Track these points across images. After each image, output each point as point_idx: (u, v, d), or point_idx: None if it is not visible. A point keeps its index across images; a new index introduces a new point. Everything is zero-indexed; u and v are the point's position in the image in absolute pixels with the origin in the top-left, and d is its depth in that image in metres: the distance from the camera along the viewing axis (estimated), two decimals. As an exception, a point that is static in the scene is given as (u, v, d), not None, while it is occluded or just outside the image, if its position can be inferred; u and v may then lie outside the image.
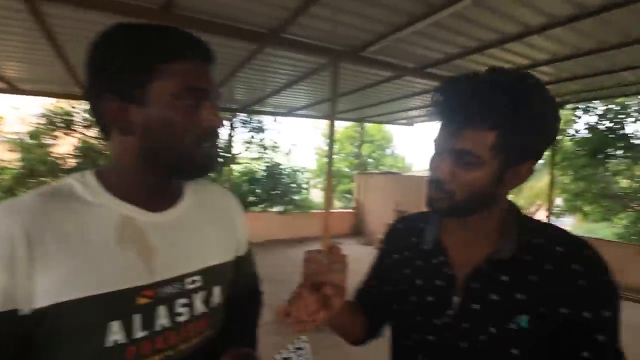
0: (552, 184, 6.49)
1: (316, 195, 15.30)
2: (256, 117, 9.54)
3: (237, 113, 8.60)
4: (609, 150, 6.71)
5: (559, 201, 10.48)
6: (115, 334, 0.56)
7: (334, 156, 17.11)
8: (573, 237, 0.67)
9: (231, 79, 5.02)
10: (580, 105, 6.95)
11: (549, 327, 0.62)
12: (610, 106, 6.72)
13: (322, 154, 17.12)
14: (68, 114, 7.37)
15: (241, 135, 9.83)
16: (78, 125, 7.64)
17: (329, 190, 4.18)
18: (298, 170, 9.39)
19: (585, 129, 7.01)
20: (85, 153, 7.85)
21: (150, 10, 2.90)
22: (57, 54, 4.07)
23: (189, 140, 0.61)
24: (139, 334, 0.58)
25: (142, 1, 2.84)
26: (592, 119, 6.87)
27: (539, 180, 14.41)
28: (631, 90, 5.18)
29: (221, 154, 9.19)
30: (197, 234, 0.69)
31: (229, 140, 9.56)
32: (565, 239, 0.67)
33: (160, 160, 0.62)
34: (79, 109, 7.63)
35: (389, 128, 16.28)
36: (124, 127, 0.60)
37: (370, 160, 15.66)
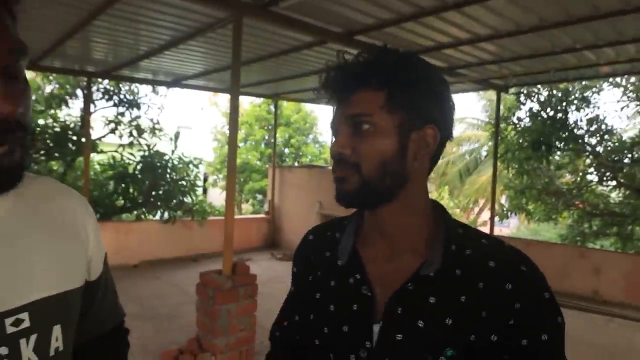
0: (495, 177, 7.40)
1: (216, 197, 14.99)
2: (127, 87, 9.10)
3: (96, 79, 8.01)
4: (552, 142, 7.92)
5: (503, 200, 11.99)
6: None
7: (239, 144, 16.94)
8: (507, 249, 0.77)
9: (84, 29, 4.66)
10: (524, 91, 8.06)
11: (480, 358, 0.70)
12: (554, 91, 7.95)
13: (224, 140, 16.77)
14: None
15: (104, 111, 9.29)
16: None
17: (232, 190, 4.13)
18: (190, 163, 9.08)
19: (528, 116, 8.14)
20: None
21: None
22: None
23: None
24: None
25: None
26: (536, 105, 8.02)
27: (481, 174, 16.33)
28: (574, 75, 6.19)
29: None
30: (19, 251, 0.65)
31: (83, 119, 8.84)
32: (498, 251, 0.76)
33: None
34: None
35: (311, 108, 16.67)
36: None
37: (287, 150, 15.83)
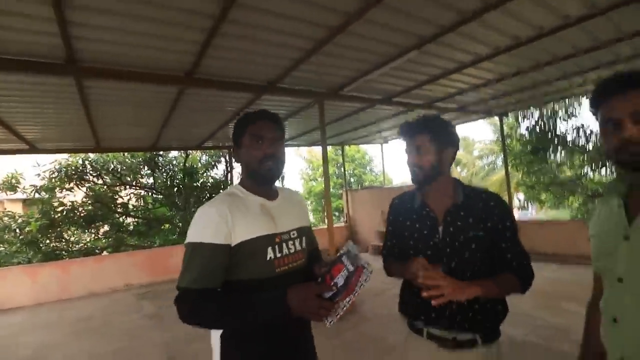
0: (507, 177, 7.32)
1: (307, 216, 15.63)
2: None
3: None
4: (547, 147, 7.63)
5: (520, 196, 11.41)
6: (270, 254, 1.07)
7: (318, 178, 17.33)
8: (489, 191, 1.26)
9: (225, 127, 5.66)
10: (520, 113, 7.92)
11: (488, 233, 1.17)
12: (544, 111, 7.73)
13: (307, 177, 17.67)
14: (79, 166, 7.71)
15: (237, 169, 10.27)
16: (89, 175, 7.97)
17: (329, 208, 4.73)
18: (291, 194, 9.83)
19: (526, 131, 7.94)
20: (97, 199, 8.16)
21: (175, 78, 3.50)
22: (85, 117, 4.57)
23: (257, 162, 1.11)
24: (278, 255, 1.10)
25: (169, 70, 3.42)
26: (531, 123, 7.82)
27: (494, 175, 15.56)
28: (555, 98, 6.14)
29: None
30: (290, 211, 1.22)
31: (226, 176, 9.95)
32: (485, 191, 1.24)
33: (249, 174, 1.16)
34: (90, 161, 7.99)
35: (366, 148, 17.12)
36: (237, 158, 1.18)
37: (351, 179, 16.32)
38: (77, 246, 7.99)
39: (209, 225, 1.02)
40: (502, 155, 7.65)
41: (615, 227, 0.86)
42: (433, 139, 1.21)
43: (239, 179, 1.22)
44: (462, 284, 1.03)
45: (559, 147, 7.66)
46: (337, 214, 15.48)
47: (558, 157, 8.65)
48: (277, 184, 1.26)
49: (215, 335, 1.08)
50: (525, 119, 8.03)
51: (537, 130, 7.65)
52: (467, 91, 5.04)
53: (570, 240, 6.14)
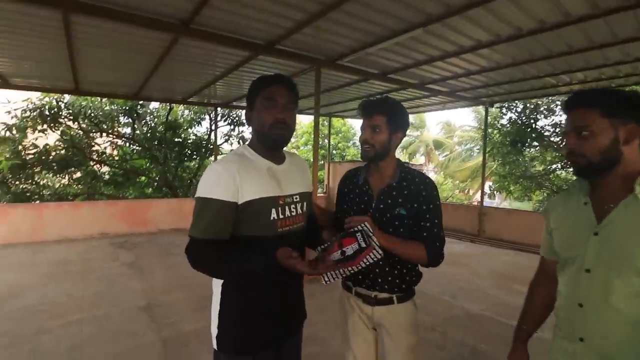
0: (484, 165, 7.64)
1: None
2: (235, 112, 9.77)
3: (217, 107, 8.83)
4: (525, 140, 7.96)
5: (490, 184, 11.97)
6: (273, 214, 1.13)
7: (300, 147, 17.20)
8: (422, 174, 1.35)
9: (222, 80, 5.45)
10: (505, 105, 8.14)
11: (411, 212, 1.28)
12: (528, 105, 7.98)
13: (289, 145, 17.53)
14: (54, 107, 7.26)
15: (221, 128, 10.04)
16: (64, 118, 7.54)
17: (315, 177, 4.77)
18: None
19: (508, 123, 8.20)
20: (72, 144, 7.79)
21: (171, 25, 3.31)
22: (68, 55, 4.27)
23: (267, 127, 1.12)
24: (281, 216, 1.15)
25: (166, 16, 3.22)
26: (514, 115, 8.07)
27: (471, 161, 16.14)
28: (540, 93, 6.33)
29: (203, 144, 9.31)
30: (295, 176, 1.26)
31: (209, 133, 9.72)
32: (418, 174, 1.34)
33: (259, 137, 1.18)
34: (65, 103, 7.53)
35: (352, 122, 17.07)
36: (249, 121, 1.20)
37: (334, 151, 16.38)
38: (48, 191, 7.70)
39: (218, 183, 1.06)
40: (482, 144, 7.91)
41: (583, 222, 0.96)
42: (389, 120, 1.29)
43: (249, 141, 1.24)
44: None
45: (535, 142, 8.01)
46: (318, 184, 15.63)
47: (532, 151, 9.07)
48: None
49: (217, 285, 1.15)
50: (508, 111, 8.28)
51: (519, 123, 7.90)
52: (461, 76, 5.10)
53: (530, 230, 6.61)
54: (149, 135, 8.88)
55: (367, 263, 1.06)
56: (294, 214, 1.19)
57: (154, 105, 9.57)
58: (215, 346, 1.14)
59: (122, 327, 2.95)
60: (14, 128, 6.88)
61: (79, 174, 8.39)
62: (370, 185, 1.37)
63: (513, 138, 7.84)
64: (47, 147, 7.44)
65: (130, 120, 8.83)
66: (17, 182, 7.07)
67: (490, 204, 15.22)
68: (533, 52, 4.02)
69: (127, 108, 8.41)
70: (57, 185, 8.10)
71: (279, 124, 1.12)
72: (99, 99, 8.03)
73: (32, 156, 7.02)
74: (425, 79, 5.33)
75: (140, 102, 8.54)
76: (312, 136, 15.13)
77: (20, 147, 6.84)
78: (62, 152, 7.65)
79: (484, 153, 7.77)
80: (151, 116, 9.30)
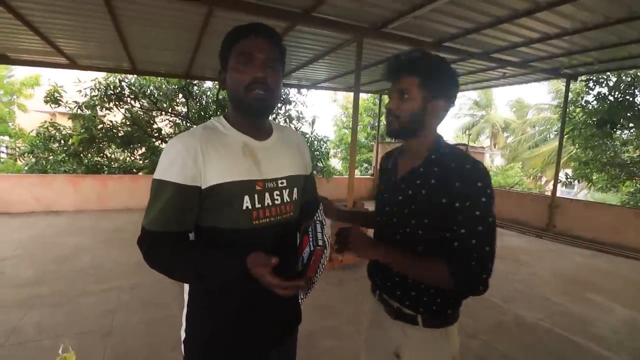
0: (560, 148, 6.57)
1: (336, 164, 15.59)
2: (283, 90, 9.71)
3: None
4: (617, 120, 6.63)
5: (568, 171, 10.42)
6: (246, 203, 0.90)
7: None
8: (463, 155, 0.96)
9: None
10: (593, 77, 6.81)
11: (437, 212, 0.93)
12: (623, 77, 6.58)
13: (341, 125, 17.17)
14: (117, 87, 7.86)
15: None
16: (127, 97, 8.16)
17: (353, 158, 4.51)
18: (321, 140, 9.65)
19: (595, 100, 6.88)
20: (134, 122, 8.45)
21: (202, -5, 3.21)
22: (117, 34, 4.46)
23: (242, 89, 0.88)
24: (257, 205, 0.93)
25: (196, -13, 3.13)
26: (604, 90, 6.72)
27: (545, 146, 14.26)
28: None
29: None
30: (282, 155, 1.02)
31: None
32: (457, 157, 0.96)
33: (233, 103, 0.93)
34: (127, 82, 8.11)
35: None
36: (222, 85, 0.94)
37: (386, 131, 15.64)
38: (116, 164, 8.51)
39: (174, 162, 0.86)
40: (560, 124, 6.77)
41: None
42: (423, 83, 0.96)
43: (227, 111, 1.02)
44: (368, 243, 1.01)
45: (631, 123, 6.64)
46: (367, 165, 15.22)
47: (626, 134, 7.61)
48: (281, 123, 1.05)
49: (185, 289, 0.98)
50: (597, 85, 6.94)
51: (611, 99, 6.59)
52: (536, 42, 4.30)
53: (614, 228, 5.61)
54: (201, 113, 9.26)
55: (321, 270, 0.82)
56: (277, 202, 0.96)
57: (207, 84, 9.91)
58: (182, 351, 0.99)
59: (153, 298, 3.10)
60: (84, 106, 7.64)
61: (143, 149, 9.11)
62: (398, 169, 1.09)
63: (601, 117, 6.57)
64: (114, 123, 8.16)
65: (185, 99, 9.26)
66: (90, 156, 7.94)
67: (564, 194, 13.46)
68: (633, 7, 3.16)
69: (182, 87, 8.81)
70: (125, 160, 8.92)
71: (257, 85, 0.87)
72: (158, 78, 8.50)
73: (100, 132, 7.75)
74: (490, 46, 4.60)
75: (195, 81, 8.86)
76: (365, 115, 14.46)
77: (89, 124, 7.58)
78: (127, 129, 8.34)
79: (561, 134, 6.66)
80: (204, 95, 9.64)
